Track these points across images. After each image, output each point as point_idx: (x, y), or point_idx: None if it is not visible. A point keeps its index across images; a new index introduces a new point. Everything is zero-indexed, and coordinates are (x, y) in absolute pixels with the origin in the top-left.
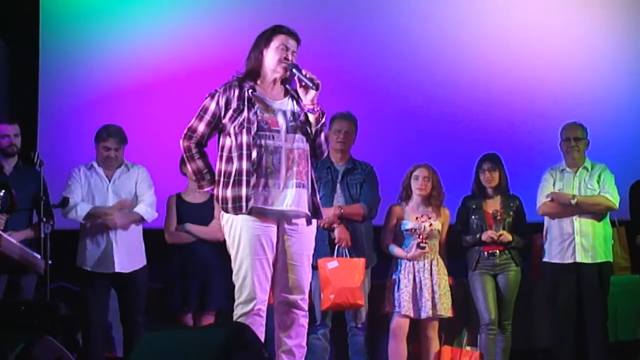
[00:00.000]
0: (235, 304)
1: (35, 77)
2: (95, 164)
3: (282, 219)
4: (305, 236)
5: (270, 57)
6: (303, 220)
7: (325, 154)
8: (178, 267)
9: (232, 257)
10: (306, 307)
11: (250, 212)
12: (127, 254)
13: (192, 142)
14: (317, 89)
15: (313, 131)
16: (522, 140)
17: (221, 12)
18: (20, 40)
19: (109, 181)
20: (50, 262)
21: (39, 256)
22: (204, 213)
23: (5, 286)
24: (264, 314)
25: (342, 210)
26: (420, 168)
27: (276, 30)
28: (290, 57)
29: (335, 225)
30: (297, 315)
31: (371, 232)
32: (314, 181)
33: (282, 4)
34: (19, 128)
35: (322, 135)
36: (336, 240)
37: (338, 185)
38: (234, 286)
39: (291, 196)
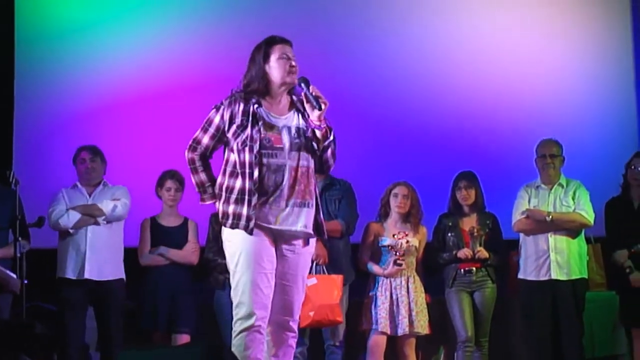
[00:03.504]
0: (235, 319)
1: (10, 96)
2: (77, 184)
3: (280, 238)
4: (301, 257)
5: (276, 70)
6: (300, 241)
7: (331, 169)
8: (150, 288)
9: (232, 273)
10: (296, 329)
11: (252, 232)
12: (100, 261)
13: (197, 154)
14: (320, 109)
15: (321, 147)
16: (497, 157)
17: (200, 31)
18: None
19: (89, 196)
20: (26, 281)
21: (14, 275)
22: (178, 237)
23: None
24: (264, 331)
25: None
26: (400, 186)
27: (270, 42)
28: (294, 64)
29: None
30: (287, 337)
31: (349, 248)
32: (318, 198)
33: (265, 23)
34: None
35: (329, 151)
36: (314, 257)
37: None
38: (203, 307)
39: (291, 216)
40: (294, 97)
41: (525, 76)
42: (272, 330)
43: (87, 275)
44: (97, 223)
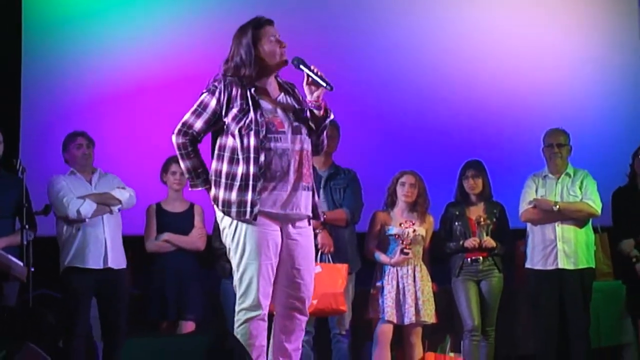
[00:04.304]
0: (238, 308)
1: (17, 85)
2: (74, 171)
3: (286, 222)
4: (308, 239)
5: (269, 52)
6: (305, 223)
7: (324, 150)
8: (157, 275)
9: (235, 262)
10: (308, 312)
11: (255, 218)
12: (117, 250)
13: (188, 139)
14: (331, 89)
15: (319, 128)
16: (505, 146)
17: (199, 24)
18: (2, 51)
19: (90, 184)
20: (32, 269)
21: (21, 263)
22: (184, 222)
23: None
24: (266, 318)
25: (324, 216)
26: (407, 175)
27: (257, 24)
28: (284, 44)
29: (318, 231)
30: (300, 321)
31: (354, 237)
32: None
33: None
34: (1, 136)
35: (325, 132)
36: (319, 246)
37: (321, 190)
38: (210, 295)
39: (299, 199)
40: (279, 79)
41: (533, 66)
42: (285, 316)
43: (110, 264)
44: (111, 212)
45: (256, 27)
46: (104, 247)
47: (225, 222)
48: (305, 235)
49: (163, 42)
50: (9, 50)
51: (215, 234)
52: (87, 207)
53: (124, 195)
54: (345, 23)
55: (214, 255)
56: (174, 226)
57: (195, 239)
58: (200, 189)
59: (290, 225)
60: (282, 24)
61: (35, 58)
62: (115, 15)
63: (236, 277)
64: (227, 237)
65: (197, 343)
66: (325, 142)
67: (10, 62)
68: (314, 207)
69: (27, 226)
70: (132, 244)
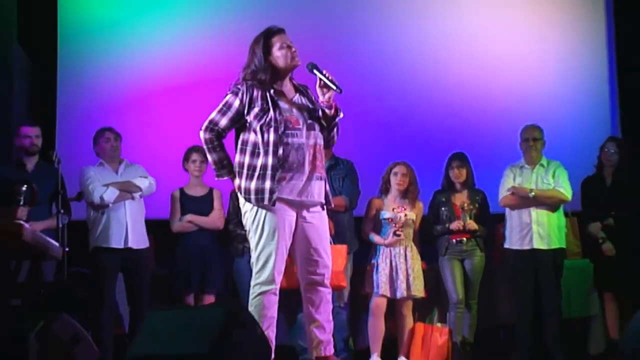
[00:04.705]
0: (254, 283)
1: (54, 85)
2: (103, 162)
3: (302, 208)
4: (322, 221)
5: (281, 59)
6: (319, 208)
7: (335, 145)
8: (182, 253)
9: (254, 243)
10: (329, 285)
11: (274, 204)
12: (138, 232)
13: (214, 134)
14: (340, 91)
15: (330, 125)
16: (486, 140)
17: (214, 30)
18: (40, 53)
19: (116, 174)
20: (67, 249)
21: (57, 244)
22: (205, 205)
23: (27, 271)
24: (278, 293)
25: None
26: (399, 165)
27: (269, 34)
28: (294, 50)
29: None
30: (323, 293)
31: (352, 221)
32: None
33: (274, 20)
34: (40, 130)
35: (335, 129)
36: None
37: None
38: (230, 270)
39: (313, 188)
40: (294, 81)
41: (511, 68)
42: (309, 291)
43: (130, 244)
44: (132, 198)
45: (267, 36)
46: (125, 229)
47: (246, 207)
48: (319, 218)
49: (183, 47)
50: (46, 56)
51: (229, 218)
52: (110, 194)
53: (144, 183)
54: (344, 26)
55: (229, 237)
56: (196, 208)
57: (215, 220)
58: (225, 178)
59: (305, 211)
60: (285, 24)
61: (69, 63)
62: (142, 22)
63: (254, 255)
64: (247, 220)
65: (213, 314)
66: (336, 137)
67: (47, 66)
68: (327, 195)
69: (62, 211)
70: (159, 226)
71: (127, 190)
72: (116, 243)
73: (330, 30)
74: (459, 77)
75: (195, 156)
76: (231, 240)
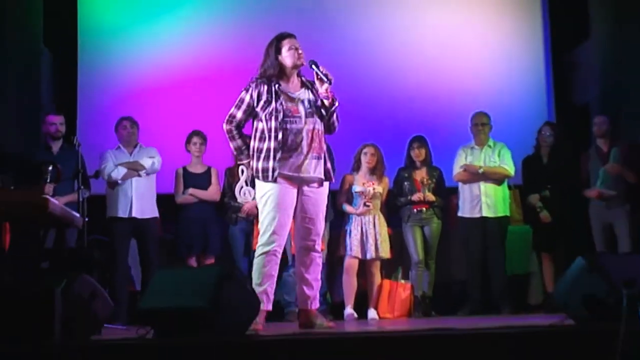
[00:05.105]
0: (258, 244)
1: (74, 80)
2: (120, 146)
3: (302, 183)
4: (319, 195)
5: (288, 57)
6: (316, 184)
7: (336, 130)
8: (185, 221)
9: (261, 212)
10: (320, 250)
11: (275, 180)
12: (143, 204)
13: (233, 126)
14: (330, 83)
15: (328, 113)
16: (442, 125)
17: (224, 30)
18: (63, 53)
19: (130, 155)
20: (87, 219)
21: (78, 215)
22: (204, 181)
23: (53, 238)
24: (279, 255)
25: None
26: (368, 147)
27: (281, 38)
28: (300, 51)
29: None
30: (313, 256)
31: (329, 194)
32: (327, 152)
33: (277, 22)
34: (63, 118)
35: (334, 116)
36: None
37: None
38: (226, 235)
39: (310, 166)
40: (303, 78)
41: (464, 63)
42: (302, 254)
43: (134, 214)
44: (139, 175)
45: (279, 39)
46: (130, 201)
47: (257, 183)
48: (316, 193)
49: (189, 45)
50: (68, 52)
51: (224, 192)
52: (117, 172)
53: (148, 162)
54: (316, 20)
55: (224, 208)
56: (196, 184)
57: (212, 193)
58: (244, 162)
59: (305, 186)
60: (279, 24)
61: (89, 58)
62: (152, 24)
63: (260, 220)
64: (258, 194)
65: (210, 273)
66: (336, 124)
67: (69, 61)
68: (327, 172)
69: (82, 187)
70: (165, 199)
71: (133, 168)
72: (122, 213)
73: (315, 26)
74: (418, 70)
75: (195, 139)
76: (226, 210)
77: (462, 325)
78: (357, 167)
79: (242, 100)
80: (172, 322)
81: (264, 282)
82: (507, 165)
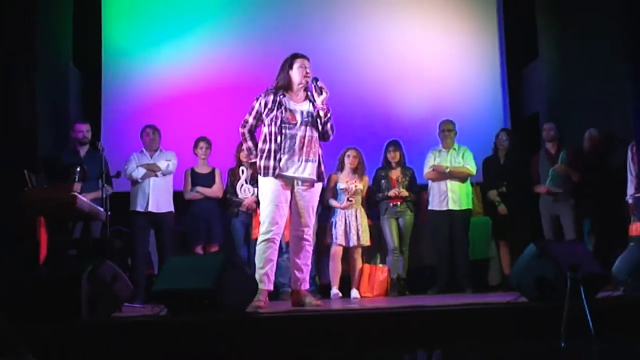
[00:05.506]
0: (259, 233)
1: (99, 93)
2: (143, 150)
3: (294, 182)
4: (311, 194)
5: (296, 75)
6: (308, 184)
7: (331, 138)
8: (192, 216)
9: (262, 204)
10: (310, 239)
11: (276, 177)
12: (159, 200)
13: (246, 130)
14: (325, 94)
15: (322, 122)
16: (414, 130)
17: (227, 51)
18: (89, 70)
19: (150, 158)
20: (109, 213)
21: (102, 209)
22: (209, 180)
23: (80, 230)
24: (277, 242)
25: None
26: (351, 150)
27: (295, 56)
28: (308, 71)
29: None
30: (304, 244)
31: None
32: (321, 157)
33: (278, 40)
34: (89, 126)
35: (328, 125)
36: None
37: None
38: (229, 227)
39: (303, 167)
40: (308, 92)
41: (433, 76)
42: (294, 243)
43: (150, 209)
44: (156, 175)
45: (293, 58)
46: (147, 198)
47: (260, 180)
48: (308, 192)
49: (201, 62)
50: (93, 68)
51: (227, 189)
52: (137, 173)
53: (163, 165)
54: (302, 27)
55: (227, 203)
56: (202, 182)
57: (216, 191)
58: (253, 161)
59: (298, 186)
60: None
61: (111, 73)
62: (172, 40)
63: (261, 212)
64: (260, 189)
65: (215, 259)
66: (330, 132)
67: (94, 76)
68: (320, 174)
69: (105, 185)
70: (175, 196)
71: (151, 169)
72: (140, 207)
73: (291, 32)
74: (394, 82)
75: (202, 144)
76: (228, 205)
77: (431, 303)
78: (341, 167)
79: (253, 108)
80: (181, 301)
81: (265, 265)
82: (470, 165)
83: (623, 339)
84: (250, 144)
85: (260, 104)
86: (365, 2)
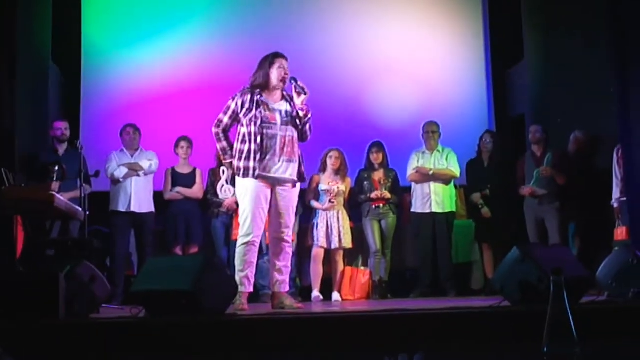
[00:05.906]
0: (239, 235)
1: (78, 91)
2: (123, 149)
3: (275, 182)
4: (291, 194)
5: (275, 74)
6: (289, 185)
7: (309, 138)
8: (172, 216)
9: (241, 206)
10: (290, 241)
11: (256, 178)
12: (141, 200)
13: (220, 129)
14: (306, 95)
15: (302, 123)
16: (397, 132)
17: (207, 50)
18: (68, 68)
19: (131, 157)
20: (87, 212)
21: (80, 209)
22: (189, 180)
23: (58, 229)
24: (257, 244)
25: None
26: (333, 151)
27: (276, 56)
28: (287, 73)
29: None
30: (284, 246)
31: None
32: (301, 157)
33: (259, 39)
34: (68, 124)
35: (307, 126)
36: None
37: None
38: (209, 228)
39: (284, 168)
40: (284, 92)
41: (418, 78)
42: (275, 244)
43: (132, 209)
44: (138, 175)
45: (274, 56)
46: (129, 197)
47: (238, 181)
48: (288, 192)
49: (181, 59)
50: (72, 66)
51: (207, 189)
52: (119, 172)
53: (146, 164)
54: (285, 25)
55: (207, 204)
56: (183, 182)
57: (196, 191)
58: (229, 162)
59: (278, 186)
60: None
61: (91, 70)
62: (152, 38)
63: (240, 214)
64: (238, 190)
65: (194, 260)
66: (309, 133)
67: (73, 74)
68: (301, 174)
69: (84, 184)
70: (156, 196)
71: (133, 169)
72: (122, 207)
73: (273, 35)
74: (377, 83)
75: (183, 143)
76: (208, 206)
77: (414, 306)
78: (323, 169)
79: (228, 107)
80: (161, 303)
81: (245, 268)
82: (454, 167)
83: (607, 343)
84: (224, 144)
85: (236, 103)
86: (349, 2)
